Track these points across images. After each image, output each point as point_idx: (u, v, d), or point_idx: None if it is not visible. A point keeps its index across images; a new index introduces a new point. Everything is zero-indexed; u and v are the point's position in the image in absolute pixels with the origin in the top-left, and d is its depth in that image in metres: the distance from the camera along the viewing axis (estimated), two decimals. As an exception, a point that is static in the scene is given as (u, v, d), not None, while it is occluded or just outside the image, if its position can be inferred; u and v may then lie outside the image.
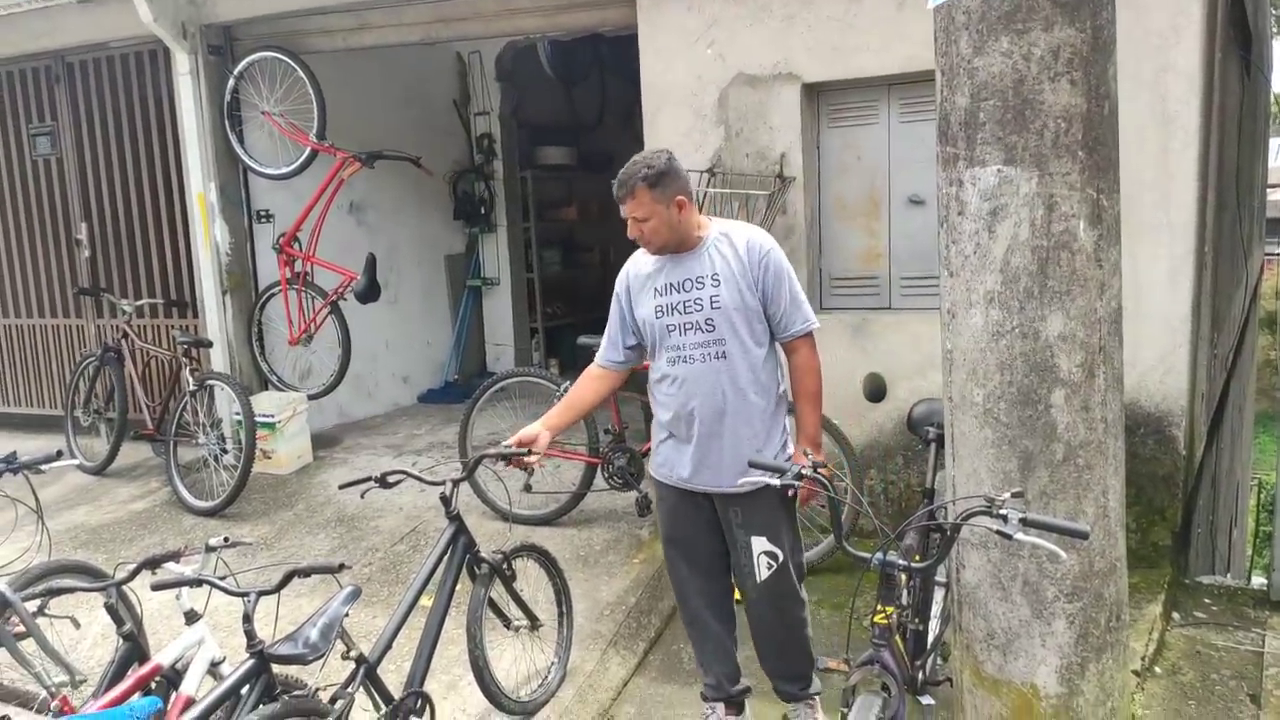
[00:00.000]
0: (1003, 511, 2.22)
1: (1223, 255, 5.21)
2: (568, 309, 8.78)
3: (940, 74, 2.60)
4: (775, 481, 2.53)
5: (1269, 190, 9.99)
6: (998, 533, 2.20)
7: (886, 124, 4.54)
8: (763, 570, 2.99)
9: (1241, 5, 5.59)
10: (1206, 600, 4.01)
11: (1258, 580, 4.56)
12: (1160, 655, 3.56)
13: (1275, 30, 10.89)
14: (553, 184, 8.69)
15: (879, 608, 2.51)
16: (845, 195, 4.68)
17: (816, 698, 3.21)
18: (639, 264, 3.06)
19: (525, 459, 3.07)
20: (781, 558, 2.99)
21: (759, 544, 2.97)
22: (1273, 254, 10.44)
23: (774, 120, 4.58)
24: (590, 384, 3.19)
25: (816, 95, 4.62)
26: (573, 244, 9.12)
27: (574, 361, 7.71)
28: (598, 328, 4.87)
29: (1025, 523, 2.19)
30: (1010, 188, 2.48)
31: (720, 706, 3.24)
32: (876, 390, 4.53)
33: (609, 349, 3.14)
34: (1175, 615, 3.87)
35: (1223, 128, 4.74)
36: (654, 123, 4.85)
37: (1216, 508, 6.11)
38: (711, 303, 2.90)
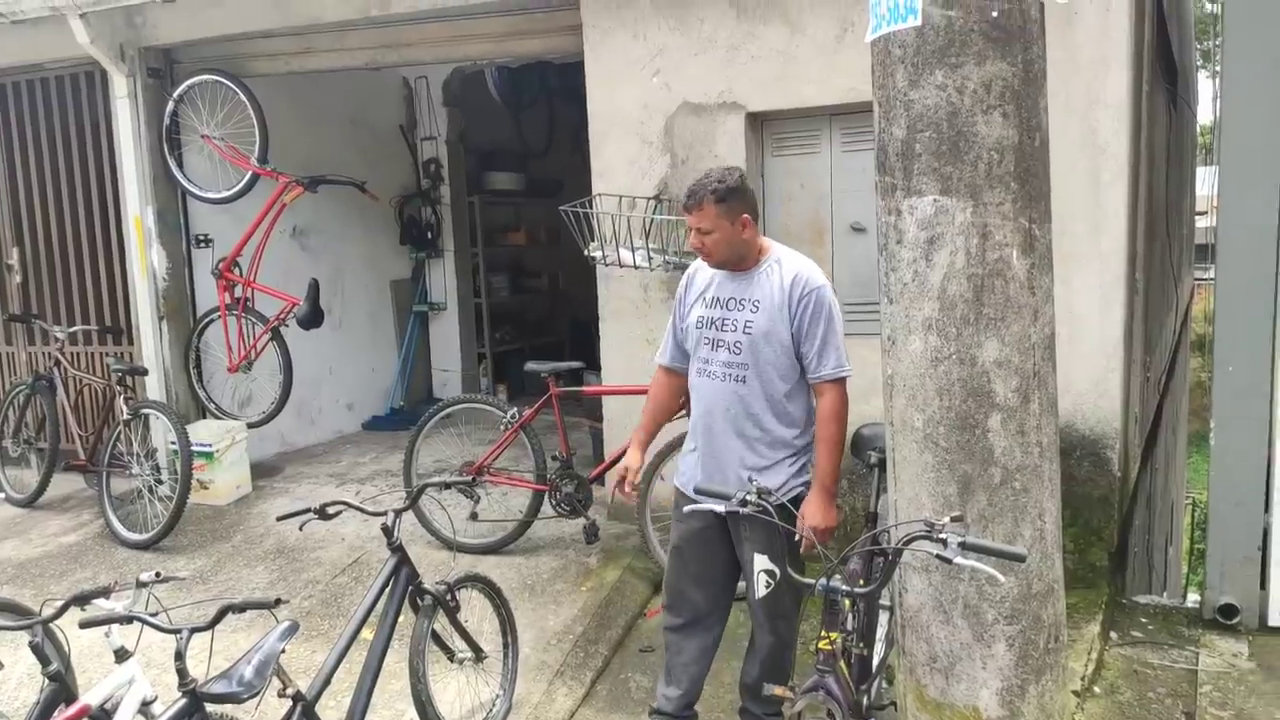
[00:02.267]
0: (942, 536, 2.25)
1: (1153, 281, 5.38)
2: (516, 334, 8.76)
3: (878, 106, 2.66)
4: (719, 508, 2.54)
5: (1198, 218, 10.32)
6: (938, 557, 2.23)
7: (829, 153, 4.62)
8: (761, 587, 2.99)
9: (1167, 40, 5.81)
10: (1143, 619, 4.09)
11: (1193, 598, 4.67)
12: (1099, 675, 3.62)
13: (1200, 64, 11.33)
14: (501, 209, 8.69)
15: (823, 633, 2.52)
16: (790, 223, 4.74)
17: None
18: (701, 270, 3.12)
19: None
20: (779, 576, 2.94)
21: (760, 561, 2.97)
22: (1202, 279, 10.79)
23: (719, 148, 4.63)
24: (665, 387, 3.27)
25: (761, 124, 4.69)
26: (521, 269, 9.11)
27: (522, 387, 7.73)
28: (546, 353, 4.89)
29: (964, 546, 2.22)
30: (946, 217, 2.53)
31: None
32: (822, 415, 4.56)
33: (673, 348, 3.20)
34: (1113, 635, 3.94)
35: (1151, 158, 4.90)
36: (600, 150, 4.88)
37: (1152, 527, 6.26)
38: (745, 328, 2.95)
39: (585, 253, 4.79)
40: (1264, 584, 3.82)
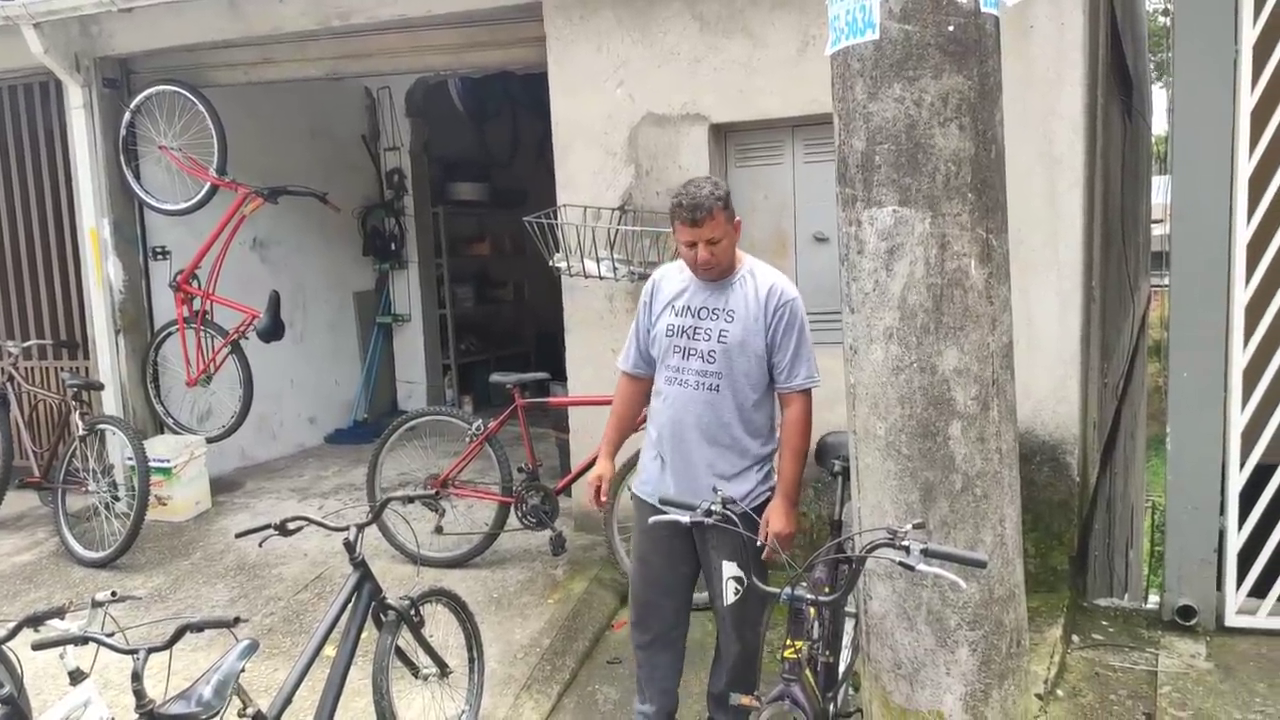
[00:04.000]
0: (905, 543, 2.26)
1: (1110, 289, 5.47)
2: (482, 345, 8.72)
3: (838, 118, 2.68)
4: (685, 519, 2.54)
5: (1153, 226, 10.53)
6: (900, 564, 2.25)
7: (791, 164, 4.66)
8: (729, 594, 3.01)
9: (1122, 53, 5.93)
10: (1104, 622, 4.15)
11: (1154, 600, 4.74)
12: (1061, 678, 3.66)
13: (1154, 76, 11.58)
14: (465, 220, 8.65)
15: (789, 642, 2.53)
16: (754, 233, 4.76)
17: None
18: (669, 278, 3.11)
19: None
20: (747, 584, 2.96)
21: (729, 568, 2.99)
22: (1159, 286, 11.01)
23: (683, 159, 4.65)
24: (630, 394, 3.25)
25: (724, 135, 4.72)
26: (486, 280, 9.07)
27: (488, 399, 7.70)
28: (512, 364, 4.88)
29: (926, 553, 2.24)
30: (906, 228, 2.56)
31: None
32: (787, 424, 4.58)
33: (637, 355, 3.18)
34: (1075, 638, 3.99)
35: (1107, 168, 4.99)
36: (565, 161, 4.88)
37: (1112, 531, 6.35)
38: (720, 337, 2.97)
39: (550, 263, 4.78)
40: (1220, 585, 3.89)
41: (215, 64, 5.87)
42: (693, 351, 2.99)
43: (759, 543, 2.86)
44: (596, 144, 4.79)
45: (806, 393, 3.03)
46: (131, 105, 5.77)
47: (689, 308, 3.02)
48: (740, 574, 2.97)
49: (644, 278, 4.58)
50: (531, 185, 7.64)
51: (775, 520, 2.95)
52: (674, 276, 3.10)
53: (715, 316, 2.98)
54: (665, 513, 2.78)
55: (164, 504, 5.53)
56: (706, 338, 2.98)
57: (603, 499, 3.21)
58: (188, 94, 5.62)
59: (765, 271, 3.04)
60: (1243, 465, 3.84)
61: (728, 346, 2.96)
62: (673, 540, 3.05)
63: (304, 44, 5.56)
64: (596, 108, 4.76)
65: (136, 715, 2.38)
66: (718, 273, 2.97)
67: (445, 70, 6.21)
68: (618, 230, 4.65)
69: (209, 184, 5.62)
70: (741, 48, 4.48)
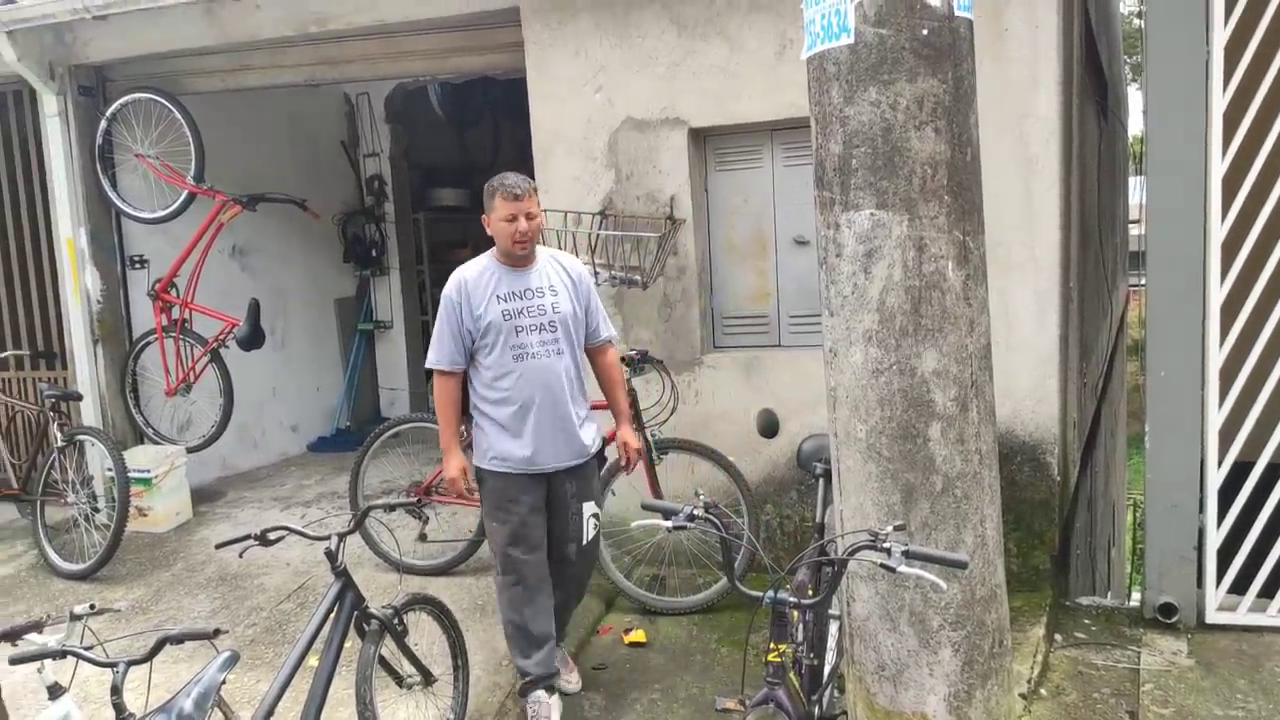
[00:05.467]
0: (886, 545, 2.27)
1: (1088, 289, 5.52)
2: (464, 351, 8.68)
3: (815, 122, 2.70)
4: (667, 525, 2.53)
5: (1131, 226, 10.62)
6: (882, 566, 2.25)
7: (771, 168, 4.67)
8: (590, 530, 3.59)
9: (1096, 54, 5.98)
10: (1086, 620, 4.17)
11: (1136, 597, 4.77)
12: (1045, 677, 3.68)
13: (1129, 77, 11.68)
14: (447, 225, 8.63)
15: (772, 645, 2.52)
16: (734, 236, 4.78)
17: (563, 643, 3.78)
18: (473, 277, 3.46)
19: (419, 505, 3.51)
20: (600, 517, 3.67)
21: (589, 508, 3.58)
22: (1136, 286, 11.10)
23: (663, 164, 4.66)
24: (455, 389, 3.56)
25: (703, 140, 4.73)
26: (468, 286, 9.03)
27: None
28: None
29: (908, 555, 2.24)
30: (883, 230, 2.57)
31: (551, 697, 3.53)
32: (769, 426, 4.60)
33: (455, 352, 3.49)
34: (1058, 637, 4.01)
35: (1083, 169, 5.03)
36: (545, 166, 4.87)
37: (1094, 529, 6.40)
38: (553, 309, 3.46)
39: (531, 269, 4.77)
40: (1200, 583, 3.92)
41: (192, 71, 5.83)
42: (533, 327, 3.42)
43: (621, 463, 3.79)
44: (576, 149, 4.79)
45: (611, 340, 3.71)
46: (107, 113, 5.73)
47: (512, 293, 3.43)
48: (596, 510, 3.62)
49: (626, 283, 4.59)
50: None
51: (632, 439, 3.75)
52: (477, 274, 3.46)
53: (540, 294, 3.45)
54: (522, 475, 3.42)
55: (144, 515, 5.49)
56: (541, 312, 3.44)
57: (468, 492, 3.57)
58: (164, 101, 5.58)
59: (562, 255, 3.69)
60: (1221, 463, 3.87)
61: (562, 315, 3.46)
62: (532, 500, 3.49)
63: (281, 50, 5.54)
64: (576, 112, 4.76)
65: (116, 729, 2.35)
66: (530, 248, 3.44)
67: (425, 76, 6.19)
68: (598, 235, 4.65)
69: (187, 192, 5.59)
70: (719, 52, 4.49)
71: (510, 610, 3.53)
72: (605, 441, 3.81)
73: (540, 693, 3.51)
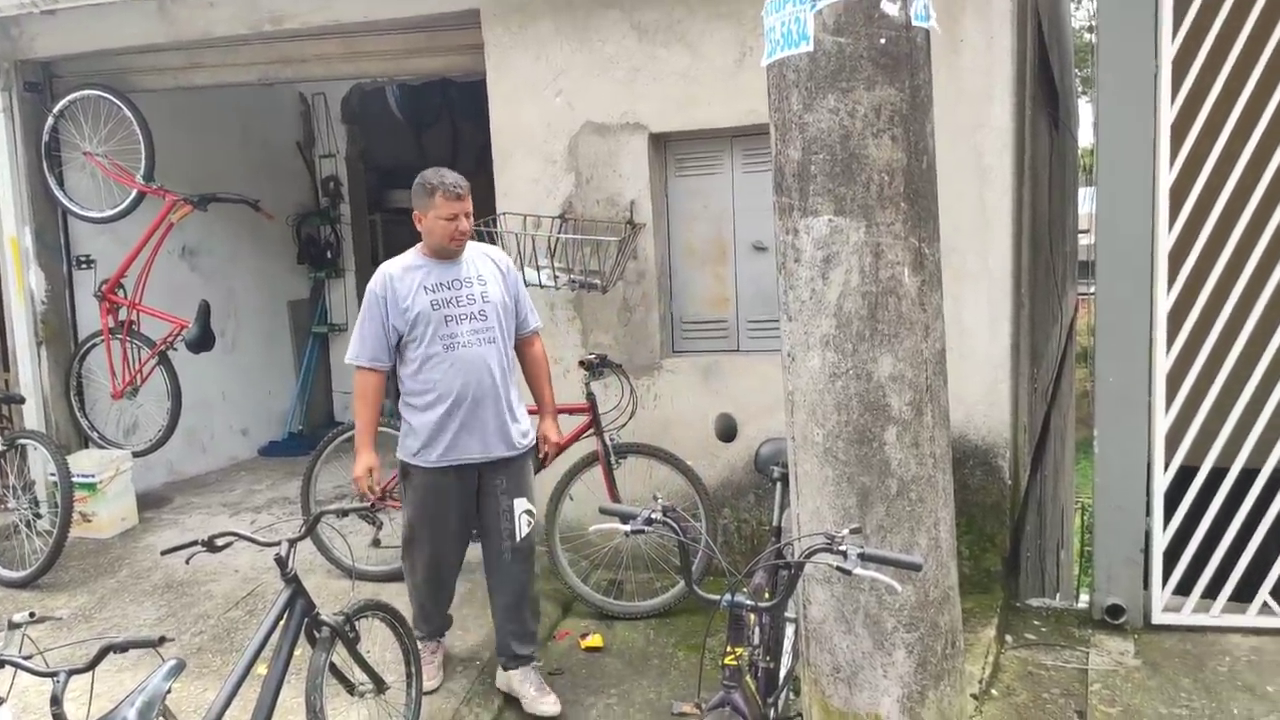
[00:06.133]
0: (842, 548, 2.28)
1: (1039, 296, 5.62)
2: (420, 355, 8.60)
3: (774, 128, 2.71)
4: (625, 529, 2.52)
5: (1080, 235, 10.84)
6: (837, 568, 2.26)
7: (731, 173, 4.69)
8: (523, 527, 3.56)
9: (1049, 66, 6.11)
10: (1036, 622, 4.24)
11: (1085, 599, 4.86)
12: (996, 678, 3.73)
13: (1080, 90, 11.94)
14: (404, 228, 8.44)
15: (729, 649, 2.52)
16: (694, 241, 4.79)
17: (538, 663, 3.75)
18: (397, 272, 3.47)
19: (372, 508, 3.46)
20: (535, 514, 3.65)
21: (520, 504, 3.55)
22: (1085, 294, 11.34)
23: (623, 168, 4.66)
24: (379, 386, 3.58)
25: (664, 145, 4.73)
26: (426, 289, 8.96)
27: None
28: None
29: (863, 557, 2.25)
30: (841, 236, 2.59)
31: (439, 644, 3.82)
32: (728, 430, 4.61)
33: (380, 351, 3.48)
34: (1008, 638, 4.07)
35: (1035, 179, 5.13)
36: (504, 169, 4.85)
37: (1044, 532, 6.51)
38: (483, 298, 3.47)
39: (489, 272, 4.74)
40: (1147, 584, 4.00)
41: (143, 68, 5.72)
42: (463, 317, 3.42)
43: (540, 455, 3.79)
44: (536, 152, 4.78)
45: (538, 332, 3.76)
46: (55, 110, 5.60)
47: (440, 284, 3.43)
48: (531, 507, 3.59)
49: (585, 286, 4.58)
50: (472, 193, 7.56)
51: (553, 432, 3.82)
52: (403, 269, 3.48)
53: (469, 284, 3.46)
54: (447, 467, 3.45)
55: (88, 521, 5.35)
56: (471, 301, 3.44)
57: (376, 491, 3.61)
58: (114, 99, 5.47)
59: (489, 248, 3.71)
60: (1167, 467, 3.96)
61: (494, 305, 3.48)
62: (456, 492, 3.50)
63: (235, 49, 5.45)
64: (536, 116, 4.75)
65: (56, 741, 2.28)
66: (459, 245, 3.46)
67: (382, 77, 6.13)
68: (558, 239, 4.63)
69: (136, 191, 5.48)
70: (680, 58, 4.51)
71: (424, 585, 3.67)
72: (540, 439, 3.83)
73: (434, 642, 3.78)
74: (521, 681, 3.65)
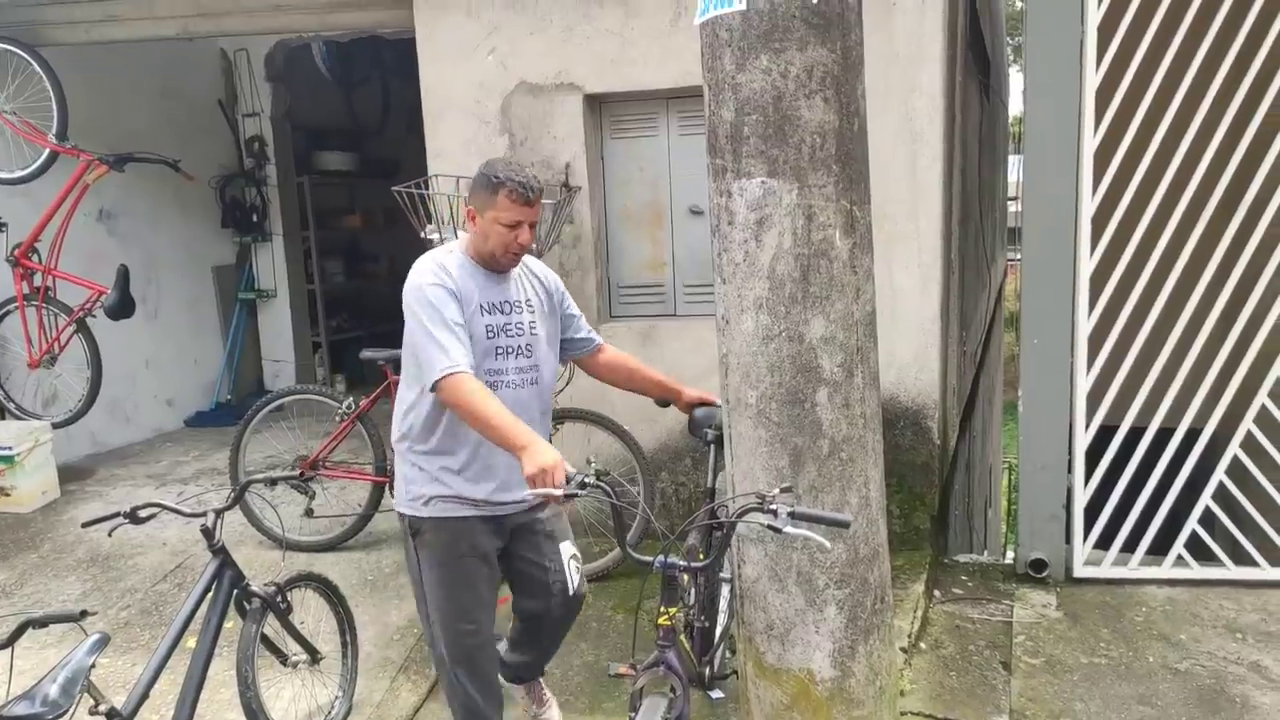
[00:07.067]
0: (773, 507, 2.31)
1: (968, 262, 5.72)
2: (354, 322, 8.45)
3: (707, 89, 2.69)
4: (558, 493, 2.50)
5: (1009, 203, 11.05)
6: (769, 527, 2.29)
7: (666, 136, 4.66)
8: (574, 574, 2.96)
9: (980, 34, 6.17)
10: (964, 577, 4.36)
11: (1011, 555, 5.02)
12: (925, 631, 3.84)
13: (1011, 59, 12.11)
14: (334, 191, 8.34)
15: (662, 610, 2.55)
16: (630, 205, 4.76)
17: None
18: (454, 267, 2.73)
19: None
20: (580, 558, 3.01)
21: (567, 549, 2.96)
22: (1014, 260, 11.60)
23: (558, 130, 4.60)
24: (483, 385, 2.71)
25: (599, 106, 4.68)
26: (357, 253, 8.79)
27: (360, 376, 7.47)
28: (385, 341, 4.76)
29: (794, 516, 2.29)
30: (774, 198, 2.59)
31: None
32: (664, 395, 4.63)
33: (468, 348, 2.65)
34: (937, 593, 4.18)
35: (965, 145, 5.20)
36: (435, 130, 4.74)
37: (971, 491, 6.69)
38: (530, 329, 2.84)
39: (422, 235, 4.65)
40: (1069, 539, 4.15)
41: (54, 21, 5.44)
42: (511, 350, 2.79)
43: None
44: (469, 113, 4.68)
45: (602, 345, 3.16)
46: (-43, 65, 5.31)
47: (493, 304, 2.77)
48: (575, 550, 3.01)
49: (519, 250, 4.51)
50: (404, 155, 7.40)
51: (700, 393, 3.23)
52: (458, 267, 2.74)
53: (518, 310, 2.81)
54: (477, 518, 2.76)
55: (7, 495, 5.18)
56: (519, 332, 2.80)
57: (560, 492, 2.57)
58: (22, 53, 5.20)
59: (530, 261, 2.96)
60: (1088, 426, 4.09)
61: (539, 338, 2.85)
62: (487, 547, 2.84)
63: (152, 1, 5.22)
64: (468, 75, 4.65)
65: (-28, 720, 2.22)
66: (519, 258, 2.81)
67: (307, 31, 5.94)
68: (491, 202, 4.55)
69: (48, 150, 5.24)
70: (614, 17, 4.44)
71: (465, 700, 2.90)
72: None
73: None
74: (525, 695, 3.28)
